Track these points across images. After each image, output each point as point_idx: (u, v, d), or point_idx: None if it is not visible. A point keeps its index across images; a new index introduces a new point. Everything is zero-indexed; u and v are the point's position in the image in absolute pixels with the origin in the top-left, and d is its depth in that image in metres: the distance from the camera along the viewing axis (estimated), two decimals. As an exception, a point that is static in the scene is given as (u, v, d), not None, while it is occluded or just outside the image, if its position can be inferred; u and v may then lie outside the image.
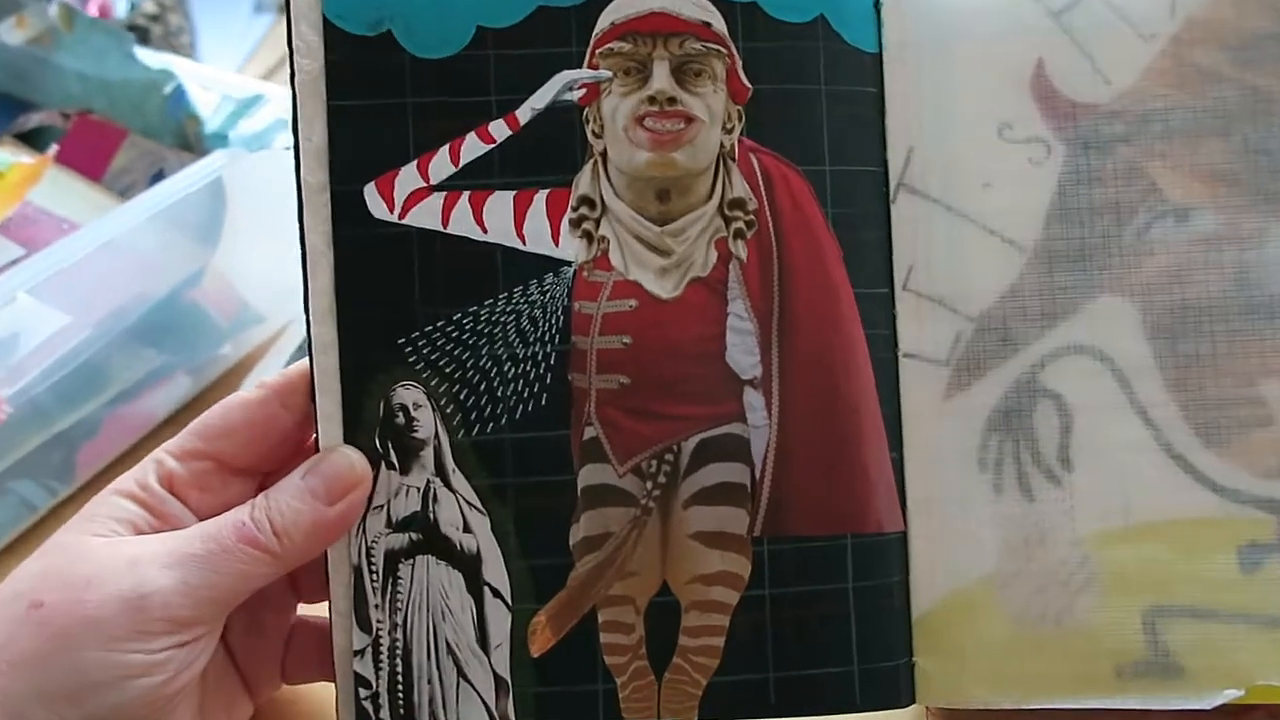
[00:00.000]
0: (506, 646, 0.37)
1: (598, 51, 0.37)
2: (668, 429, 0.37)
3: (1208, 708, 0.36)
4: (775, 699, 0.37)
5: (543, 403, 0.37)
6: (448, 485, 0.37)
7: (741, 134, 0.37)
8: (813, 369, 0.37)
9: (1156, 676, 0.36)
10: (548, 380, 0.37)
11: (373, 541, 0.37)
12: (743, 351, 0.37)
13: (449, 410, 0.37)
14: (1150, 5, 0.37)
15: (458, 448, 0.37)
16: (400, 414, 0.37)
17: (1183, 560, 0.36)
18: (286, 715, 0.39)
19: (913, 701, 0.38)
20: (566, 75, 0.37)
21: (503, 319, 0.37)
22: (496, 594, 0.37)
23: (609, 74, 0.37)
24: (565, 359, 0.37)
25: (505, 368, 0.37)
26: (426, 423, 0.37)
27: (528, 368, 0.37)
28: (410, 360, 0.37)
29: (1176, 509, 0.36)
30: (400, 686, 0.37)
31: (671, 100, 0.37)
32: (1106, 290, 0.37)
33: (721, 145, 0.37)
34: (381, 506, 0.37)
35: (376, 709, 0.37)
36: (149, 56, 0.72)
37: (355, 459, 0.36)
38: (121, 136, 0.67)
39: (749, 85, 0.37)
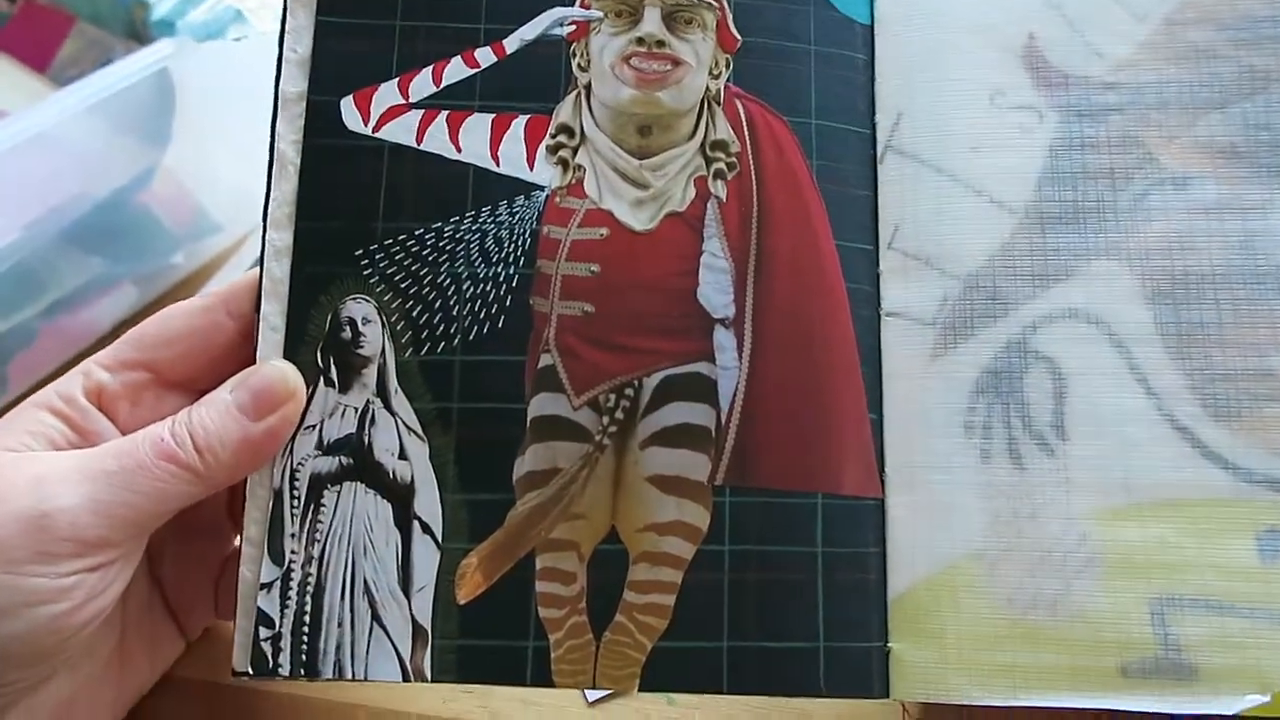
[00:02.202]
0: (430, 590, 0.33)
1: None
2: (630, 362, 0.35)
3: (1228, 714, 0.31)
4: (729, 673, 0.33)
5: (499, 325, 0.35)
6: (388, 407, 0.34)
7: (728, 80, 0.37)
8: (788, 315, 0.35)
9: (1167, 676, 0.32)
10: (507, 302, 0.35)
11: (299, 464, 0.34)
12: (716, 290, 0.35)
13: (399, 327, 0.35)
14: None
15: (404, 368, 0.35)
16: (347, 328, 0.35)
17: (1194, 544, 0.32)
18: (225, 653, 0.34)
19: (886, 693, 0.33)
20: (558, 11, 0.37)
21: (467, 237, 0.35)
22: (426, 529, 0.34)
23: (600, 14, 0.37)
24: (528, 282, 0.35)
25: (464, 286, 0.35)
26: (374, 339, 0.35)
27: (488, 288, 0.35)
28: (365, 273, 0.35)
29: (1184, 487, 0.33)
30: (306, 629, 0.33)
31: (660, 43, 0.37)
32: (1103, 254, 0.35)
33: (707, 89, 0.37)
34: (314, 427, 0.34)
35: (276, 652, 0.33)
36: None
37: (288, 372, 0.34)
38: (69, 23, 0.61)
39: (738, 37, 0.37)
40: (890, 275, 0.36)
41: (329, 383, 0.34)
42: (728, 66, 0.37)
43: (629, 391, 0.34)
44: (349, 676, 0.33)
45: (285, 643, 0.33)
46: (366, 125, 0.36)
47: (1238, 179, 0.35)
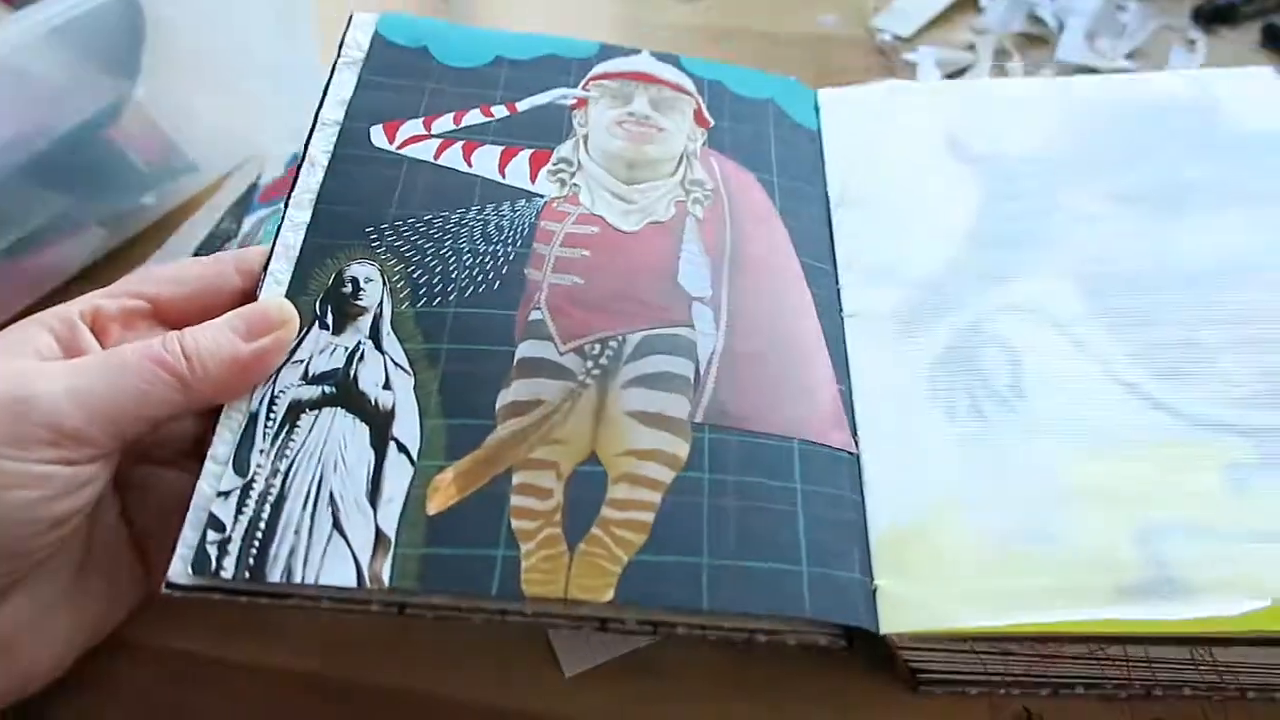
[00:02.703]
0: (399, 503, 0.32)
1: (590, 84, 0.45)
2: (615, 320, 0.37)
3: (1235, 614, 0.29)
4: (708, 589, 0.31)
5: (494, 287, 0.37)
6: (378, 346, 0.35)
7: (703, 144, 0.44)
8: (761, 303, 0.38)
9: (1163, 591, 0.30)
10: (504, 271, 0.38)
11: (280, 391, 0.34)
12: (695, 278, 0.39)
13: (399, 285, 0.37)
14: (1039, 105, 0.46)
15: (399, 316, 0.36)
16: (349, 284, 0.37)
17: (1165, 478, 0.33)
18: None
19: (875, 626, 0.31)
20: (563, 90, 0.45)
21: (472, 223, 0.39)
22: (403, 449, 0.33)
23: (598, 95, 0.45)
24: (524, 259, 0.38)
25: (464, 258, 0.38)
26: (373, 295, 0.37)
27: (486, 260, 0.38)
28: (373, 244, 0.38)
29: (1143, 430, 0.34)
30: (260, 534, 0.31)
31: (646, 117, 0.44)
32: (1038, 267, 0.39)
33: (686, 147, 0.43)
34: (302, 361, 0.35)
35: (221, 554, 0.30)
36: None
37: (282, 303, 0.35)
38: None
39: (710, 120, 0.45)
40: (849, 287, 0.40)
41: (323, 325, 0.36)
42: (703, 137, 0.44)
43: (613, 343, 0.36)
44: (297, 580, 0.30)
45: (233, 546, 0.31)
46: (391, 145, 0.41)
47: (1135, 216, 0.41)
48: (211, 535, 0.31)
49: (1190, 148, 0.42)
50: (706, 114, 0.45)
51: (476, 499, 0.32)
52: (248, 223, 0.52)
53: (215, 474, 0.32)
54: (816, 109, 0.47)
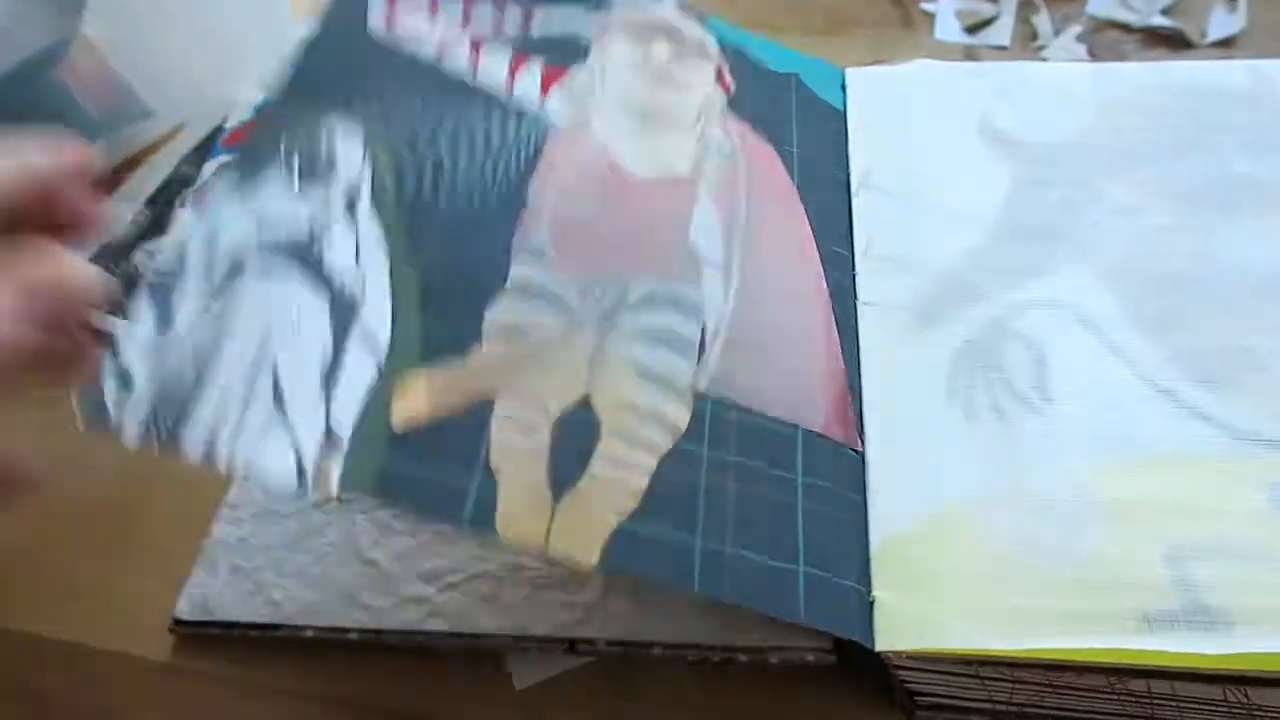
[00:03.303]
0: (359, 401, 0.27)
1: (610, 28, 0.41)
2: (621, 262, 0.33)
3: (1275, 651, 0.27)
4: (701, 572, 0.27)
5: (492, 196, 0.33)
6: (351, 215, 0.30)
7: (723, 109, 0.40)
8: (771, 279, 0.35)
9: (1198, 622, 0.27)
10: (504, 185, 0.33)
11: (225, 234, 0.28)
12: (707, 239, 0.35)
13: (382, 159, 0.32)
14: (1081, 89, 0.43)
15: (381, 194, 0.31)
16: (323, 137, 0.32)
17: (1201, 495, 0.30)
18: None
19: (870, 640, 0.27)
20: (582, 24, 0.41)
21: (472, 124, 0.34)
22: (368, 338, 0.28)
23: (619, 34, 0.41)
24: (528, 178, 0.34)
25: (460, 158, 0.33)
26: (350, 160, 0.32)
27: (485, 166, 0.33)
28: (358, 113, 0.33)
29: (1181, 441, 0.31)
30: (179, 394, 0.25)
31: (667, 67, 0.41)
32: (1069, 260, 0.37)
33: (705, 105, 0.40)
34: (255, 207, 0.29)
35: (122, 411, 0.24)
36: None
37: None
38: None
39: (732, 86, 0.42)
40: (866, 275, 0.37)
41: (288, 170, 0.30)
42: (723, 100, 0.41)
43: (617, 287, 0.32)
44: (221, 454, 0.24)
45: (140, 403, 0.25)
46: (390, 29, 0.36)
47: (1179, 211, 0.38)
48: (113, 386, 0.25)
49: (1243, 141, 0.40)
50: (729, 77, 0.42)
51: (452, 423, 0.27)
52: (209, 169, 0.46)
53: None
54: (843, 88, 0.45)
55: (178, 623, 0.33)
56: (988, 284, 0.36)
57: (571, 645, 0.31)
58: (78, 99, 0.46)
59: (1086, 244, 0.37)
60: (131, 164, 0.48)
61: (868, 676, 0.30)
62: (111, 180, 0.47)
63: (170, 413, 0.25)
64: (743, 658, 0.30)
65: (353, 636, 0.32)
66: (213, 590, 0.33)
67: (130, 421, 0.24)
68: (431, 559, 0.33)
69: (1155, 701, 0.28)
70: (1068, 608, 0.28)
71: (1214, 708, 0.28)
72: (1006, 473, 0.31)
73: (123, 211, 0.40)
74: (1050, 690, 0.28)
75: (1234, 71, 0.43)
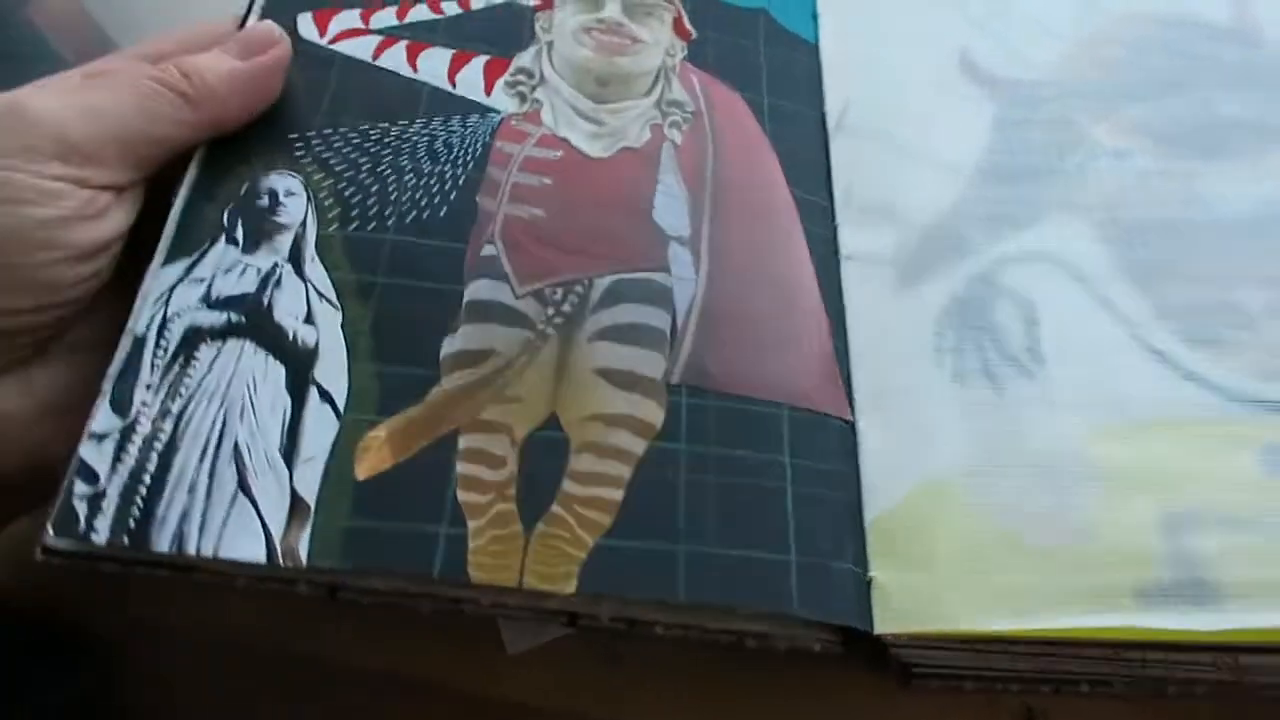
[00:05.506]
0: (321, 462, 0.27)
1: None
2: (580, 262, 0.32)
3: (1270, 625, 0.26)
4: (685, 579, 0.26)
5: (440, 214, 0.32)
6: (299, 272, 0.30)
7: (683, 59, 0.38)
8: (745, 239, 0.34)
9: (1188, 594, 0.27)
10: (451, 197, 0.32)
11: (175, 314, 0.28)
12: (672, 214, 0.34)
13: (327, 203, 0.31)
14: (1060, 19, 0.41)
15: (325, 240, 0.31)
16: (266, 198, 0.31)
17: (1194, 460, 0.29)
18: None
19: (869, 625, 0.27)
20: (524, -12, 0.39)
21: (415, 138, 0.33)
22: (326, 397, 0.28)
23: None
24: (475, 184, 0.33)
25: (406, 179, 0.32)
26: (295, 211, 0.31)
27: (431, 182, 0.33)
28: (298, 154, 0.32)
29: (1173, 405, 0.31)
30: (143, 489, 0.26)
31: (619, 25, 0.38)
32: (1055, 207, 0.35)
33: (664, 62, 0.38)
34: (203, 280, 0.29)
35: (93, 513, 0.25)
36: None
37: (275, 26, 0.33)
38: None
39: (693, 32, 0.39)
40: (846, 225, 0.35)
41: (231, 240, 0.30)
42: (683, 50, 0.38)
43: (578, 289, 0.31)
44: (191, 550, 0.25)
45: (109, 504, 0.25)
46: (322, 38, 0.35)
47: (1166, 155, 0.36)
48: (81, 488, 0.25)
49: (1227, 79, 0.38)
50: (688, 24, 0.39)
51: (415, 465, 0.27)
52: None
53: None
54: (815, 16, 0.42)
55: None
56: (974, 235, 0.34)
57: (572, 619, 0.30)
58: (49, 40, 0.46)
59: (1073, 190, 0.35)
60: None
61: (862, 648, 0.29)
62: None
63: (137, 513, 0.25)
64: (751, 642, 0.30)
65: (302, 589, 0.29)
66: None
67: (101, 526, 0.25)
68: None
69: (1148, 664, 0.27)
70: (1065, 583, 0.28)
71: (1203, 668, 0.28)
72: (999, 440, 0.30)
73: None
74: (1044, 657, 0.28)
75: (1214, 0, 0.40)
